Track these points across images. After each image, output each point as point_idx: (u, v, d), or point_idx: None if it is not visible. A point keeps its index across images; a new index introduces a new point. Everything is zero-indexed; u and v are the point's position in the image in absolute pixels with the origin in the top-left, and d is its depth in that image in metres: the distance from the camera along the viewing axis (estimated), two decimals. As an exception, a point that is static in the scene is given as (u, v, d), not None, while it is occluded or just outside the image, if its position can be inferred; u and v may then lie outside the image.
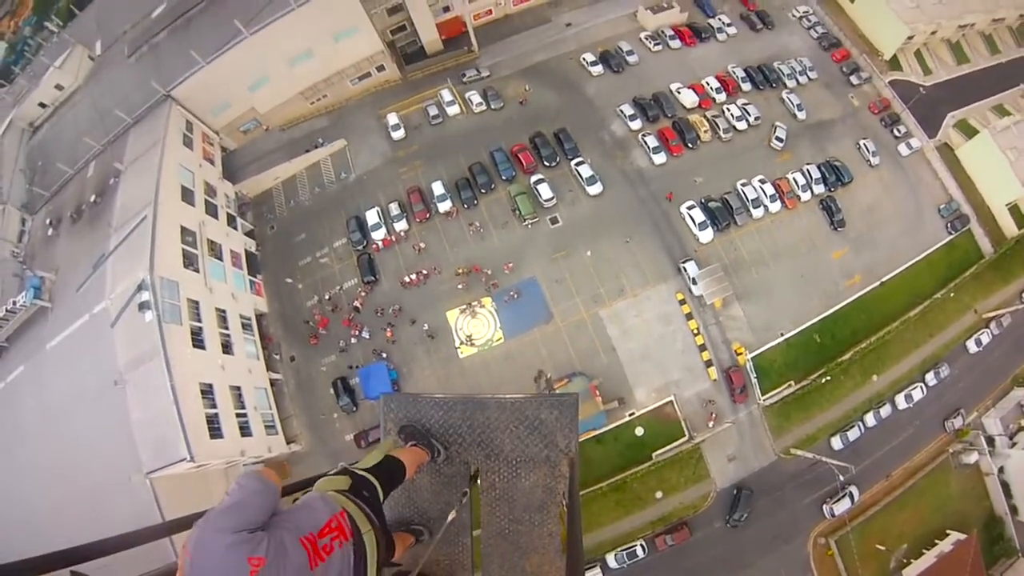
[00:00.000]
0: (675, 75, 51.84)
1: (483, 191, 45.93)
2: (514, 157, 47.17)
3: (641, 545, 38.41)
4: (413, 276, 43.09)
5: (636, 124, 48.68)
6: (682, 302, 42.61)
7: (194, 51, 42.44)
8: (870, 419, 42.02)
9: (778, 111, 50.86)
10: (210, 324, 35.63)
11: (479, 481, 5.26)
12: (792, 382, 41.84)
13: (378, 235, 44.67)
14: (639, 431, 40.02)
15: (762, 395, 41.20)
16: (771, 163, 48.15)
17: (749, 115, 49.36)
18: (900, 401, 42.45)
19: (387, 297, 43.12)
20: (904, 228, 47.12)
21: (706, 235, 44.16)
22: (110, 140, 44.31)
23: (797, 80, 52.19)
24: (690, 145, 48.24)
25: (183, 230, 37.18)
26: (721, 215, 45.00)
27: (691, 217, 44.63)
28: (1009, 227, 47.84)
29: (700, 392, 41.08)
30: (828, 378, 41.68)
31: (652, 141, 47.56)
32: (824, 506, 40.22)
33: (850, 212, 46.62)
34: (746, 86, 51.52)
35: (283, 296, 44.25)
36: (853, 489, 40.54)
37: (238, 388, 35.66)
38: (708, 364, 41.46)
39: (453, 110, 49.64)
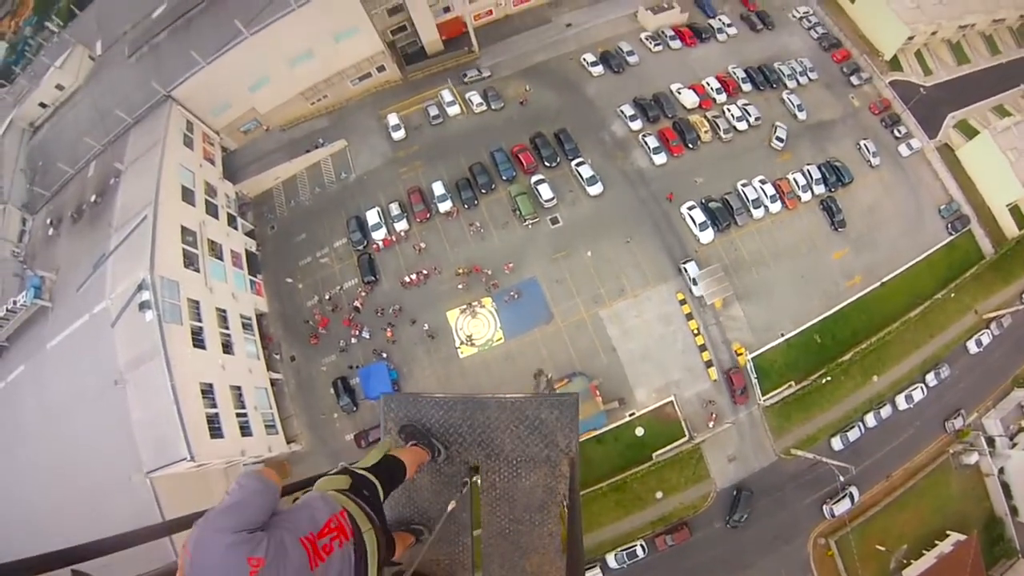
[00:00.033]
0: (675, 75, 51.84)
1: (483, 191, 45.93)
2: (514, 157, 47.17)
3: (641, 545, 38.40)
4: (413, 276, 43.10)
5: (636, 124, 48.68)
6: (682, 302, 42.60)
7: (194, 51, 42.45)
8: (870, 420, 41.99)
9: (778, 111, 50.86)
10: (210, 324, 35.64)
11: (479, 480, 5.25)
12: (792, 382, 41.82)
13: (378, 235, 44.68)
14: (639, 431, 40.01)
15: (762, 395, 41.18)
16: (771, 163, 48.15)
17: (749, 115, 49.35)
18: (900, 402, 42.43)
19: (387, 297, 43.13)
20: (905, 229, 47.10)
21: (706, 235, 44.15)
22: (110, 140, 44.34)
23: (797, 80, 52.18)
24: (690, 145, 48.23)
25: (183, 230, 37.19)
26: (721, 215, 44.99)
27: (691, 217, 44.62)
28: (1010, 228, 47.82)
29: (700, 392, 41.08)
30: (828, 378, 41.67)
31: (652, 141, 47.55)
32: (824, 506, 40.20)
33: (850, 212, 46.61)
34: (746, 86, 51.51)
35: (283, 296, 44.26)
36: (853, 490, 40.52)
37: (238, 388, 35.67)
38: (708, 364, 41.46)
39: (453, 110, 49.64)
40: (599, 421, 39.15)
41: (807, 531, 40.31)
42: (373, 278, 43.32)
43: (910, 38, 52.21)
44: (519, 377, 40.28)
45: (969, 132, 50.68)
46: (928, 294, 44.77)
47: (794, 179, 46.86)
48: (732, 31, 54.71)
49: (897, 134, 50.26)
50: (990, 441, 43.04)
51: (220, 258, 39.88)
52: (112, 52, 51.15)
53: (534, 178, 46.01)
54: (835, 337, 43.32)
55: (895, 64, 54.10)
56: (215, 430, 31.95)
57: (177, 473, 29.90)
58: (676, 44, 53.62)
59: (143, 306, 31.88)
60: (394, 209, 45.37)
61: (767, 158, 48.51)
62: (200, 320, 34.84)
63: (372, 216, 45.18)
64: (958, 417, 43.27)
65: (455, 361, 41.30)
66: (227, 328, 37.28)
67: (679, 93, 50.64)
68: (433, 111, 49.76)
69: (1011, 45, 57.57)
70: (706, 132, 48.54)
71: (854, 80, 52.80)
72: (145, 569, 3.12)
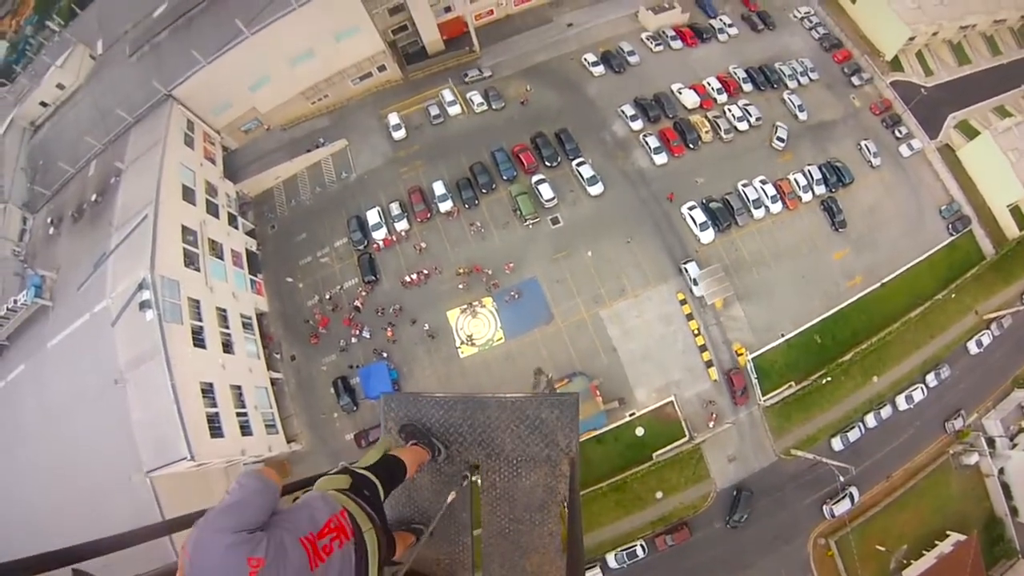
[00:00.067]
0: (676, 75, 51.82)
1: (484, 191, 45.93)
2: (515, 157, 47.16)
3: (641, 545, 38.40)
4: (414, 276, 43.09)
5: (637, 124, 48.67)
6: (683, 302, 42.59)
7: (195, 51, 42.46)
8: (870, 420, 41.97)
9: (779, 112, 50.83)
10: (211, 323, 35.65)
11: (479, 480, 5.25)
12: (793, 383, 41.81)
13: (379, 235, 44.68)
14: (639, 431, 40.01)
15: (762, 396, 41.17)
16: (772, 164, 48.12)
17: (750, 116, 49.32)
18: (901, 402, 42.41)
19: (388, 297, 43.13)
20: (905, 229, 47.08)
21: (707, 235, 44.14)
22: (111, 139, 44.37)
23: (798, 81, 52.14)
24: (691, 146, 48.21)
25: (184, 229, 37.20)
26: (722, 215, 44.97)
27: (692, 217, 44.60)
28: (1010, 228, 47.77)
29: (700, 392, 41.07)
30: (829, 379, 41.65)
31: (653, 141, 47.54)
32: (824, 507, 40.18)
33: (851, 213, 46.59)
34: (747, 87, 51.48)
35: (284, 295, 44.27)
36: (853, 490, 40.51)
37: (239, 387, 35.68)
38: (709, 364, 41.45)
39: (454, 110, 49.64)
40: (599, 421, 39.15)
41: (807, 531, 40.30)
42: (373, 278, 43.33)
43: (911, 39, 52.19)
44: (519, 377, 40.23)
45: (970, 132, 50.66)
46: (929, 295, 44.74)
47: (795, 179, 46.82)
48: (733, 31, 54.68)
49: (898, 134, 50.23)
50: (990, 442, 43.03)
51: (221, 257, 39.90)
52: (113, 51, 51.22)
53: (535, 178, 46.00)
54: (835, 337, 43.30)
55: (896, 64, 54.07)
56: (215, 429, 31.96)
57: (177, 473, 29.92)
58: (677, 44, 53.60)
59: (143, 305, 31.89)
60: (395, 209, 45.37)
61: (768, 158, 48.49)
62: (200, 319, 34.86)
63: (373, 216, 45.18)
64: (958, 418, 43.25)
65: (455, 361, 41.30)
66: (227, 327, 37.29)
67: (680, 93, 50.61)
68: (434, 111, 49.75)
69: (1012, 46, 57.52)
70: (707, 132, 48.53)
71: (855, 80, 52.77)
72: (145, 569, 3.11)
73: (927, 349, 44.06)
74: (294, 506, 2.79)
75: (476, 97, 50.04)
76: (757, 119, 49.29)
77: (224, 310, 37.64)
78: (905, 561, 39.71)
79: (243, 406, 35.33)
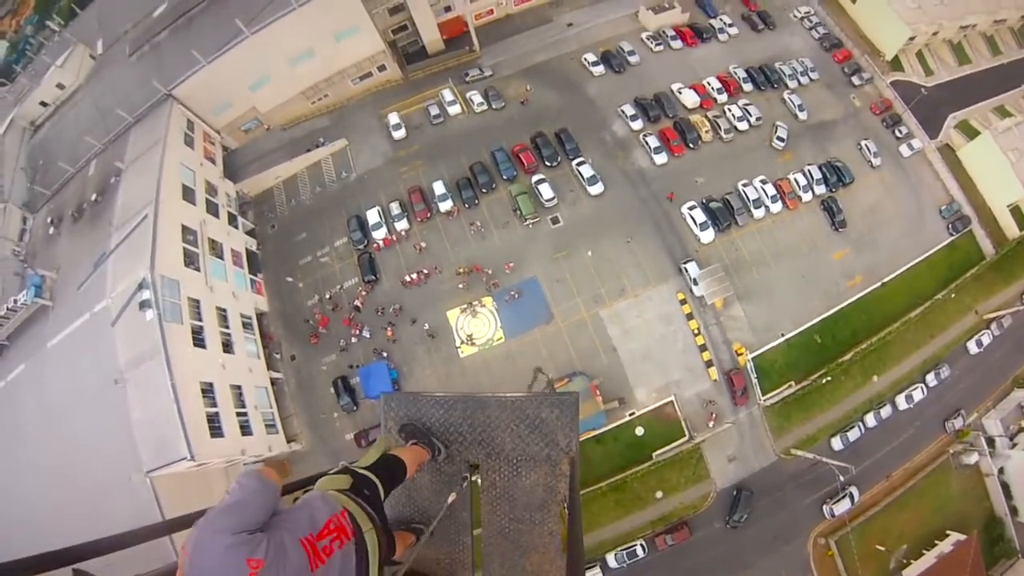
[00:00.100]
0: (676, 75, 51.81)
1: (484, 191, 45.92)
2: (515, 157, 47.16)
3: (641, 545, 38.42)
4: (414, 275, 43.09)
5: (637, 124, 48.66)
6: (683, 302, 42.59)
7: (195, 50, 42.45)
8: (870, 420, 41.99)
9: (779, 111, 50.82)
10: (211, 323, 35.65)
11: (479, 480, 5.25)
12: (792, 382, 41.82)
13: (379, 234, 44.68)
14: (639, 431, 40.01)
15: (762, 395, 41.18)
16: (772, 163, 48.12)
17: (750, 115, 49.31)
18: (901, 402, 42.42)
19: (388, 296, 43.14)
20: (905, 229, 47.08)
21: (707, 235, 44.14)
22: (111, 139, 44.36)
23: (798, 80, 52.14)
24: (691, 145, 48.20)
25: (184, 229, 37.20)
26: (722, 215, 44.97)
27: (692, 217, 44.60)
28: (1010, 228, 47.78)
29: (700, 392, 41.07)
30: (829, 378, 41.68)
31: (653, 141, 47.53)
32: (824, 506, 40.20)
33: (851, 213, 46.59)
34: (747, 86, 51.47)
35: (284, 295, 44.28)
36: (853, 489, 40.52)
37: (239, 387, 35.68)
38: (709, 364, 41.46)
39: (454, 110, 49.63)
40: (599, 421, 39.16)
41: (807, 531, 40.31)
42: (373, 277, 43.33)
43: (911, 38, 52.19)
44: (519, 376, 40.26)
45: (970, 132, 50.66)
46: (929, 294, 44.75)
47: (795, 179, 46.82)
48: (733, 31, 54.68)
49: (898, 134, 50.23)
50: (990, 441, 43.04)
51: (221, 257, 39.90)
52: (113, 51, 51.22)
53: (535, 178, 45.99)
54: (835, 337, 43.31)
55: (896, 64, 54.07)
56: (215, 429, 31.95)
57: (177, 472, 29.91)
58: (677, 44, 53.60)
59: (143, 305, 31.89)
60: (395, 208, 45.37)
61: (768, 158, 48.48)
62: (200, 319, 34.85)
63: (373, 215, 45.18)
64: (958, 417, 43.27)
65: (455, 360, 41.31)
66: (227, 327, 37.29)
67: (680, 93, 50.60)
68: (434, 110, 49.75)
69: (1012, 45, 57.52)
70: (707, 132, 48.52)
71: (855, 80, 52.76)
72: (145, 569, 3.11)
73: (927, 349, 44.08)
74: (294, 506, 2.78)
75: (476, 97, 50.04)
76: (757, 119, 49.28)
77: (224, 310, 37.64)
78: (905, 561, 39.73)
79: (243, 406, 35.33)
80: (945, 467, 42.64)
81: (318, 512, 2.74)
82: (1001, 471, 42.72)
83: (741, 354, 41.60)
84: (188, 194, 39.48)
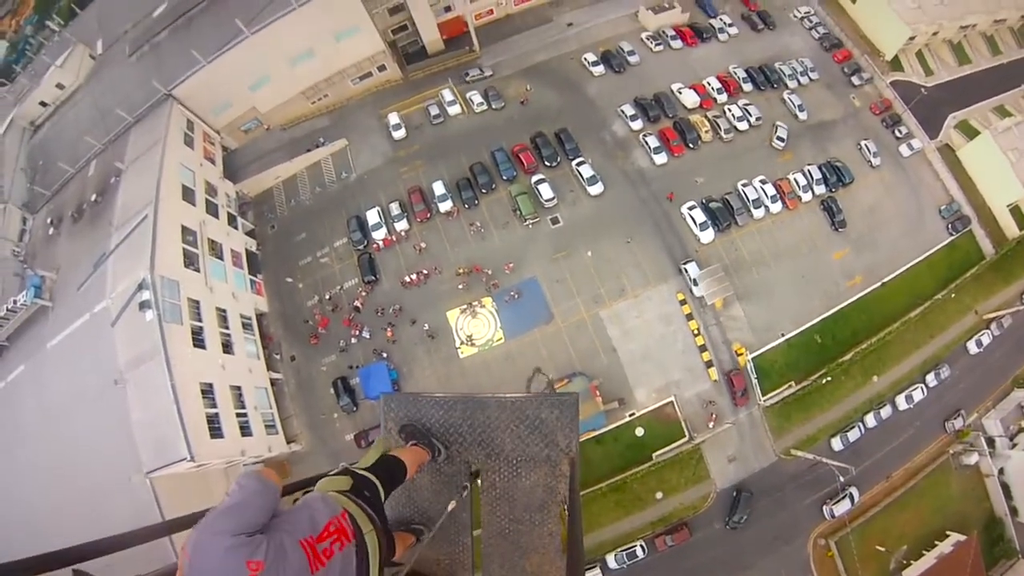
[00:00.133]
0: (676, 75, 51.82)
1: (484, 191, 45.93)
2: (515, 157, 47.16)
3: (641, 546, 38.40)
4: (414, 276, 43.09)
5: (637, 124, 48.67)
6: (683, 302, 42.58)
7: (195, 50, 42.45)
8: (870, 420, 41.98)
9: (779, 111, 50.84)
10: (210, 323, 35.64)
11: (479, 481, 5.25)
12: (792, 383, 41.82)
13: (379, 235, 44.67)
14: (639, 431, 40.01)
15: (762, 396, 41.17)
16: (772, 163, 48.12)
17: (750, 115, 49.33)
18: (900, 402, 42.42)
19: (387, 297, 43.13)
20: (905, 229, 47.09)
21: (707, 235, 44.14)
22: (111, 139, 44.36)
23: (798, 80, 52.15)
24: (691, 145, 48.21)
25: (184, 229, 37.19)
26: (722, 215, 44.98)
27: (692, 217, 44.61)
28: (1010, 228, 47.79)
29: (700, 393, 41.06)
30: (829, 379, 41.66)
31: (653, 141, 47.54)
32: (824, 507, 40.19)
33: (851, 213, 46.59)
34: (747, 86, 51.49)
35: (283, 296, 44.26)
36: (853, 490, 40.51)
37: (238, 388, 35.66)
38: (709, 365, 41.45)
39: (454, 110, 49.64)
40: (599, 421, 39.15)
41: (807, 532, 40.30)
42: (373, 278, 43.32)
43: (911, 38, 52.20)
44: (519, 377, 40.29)
45: (970, 132, 50.67)
46: (928, 294, 44.75)
47: (795, 179, 46.84)
48: (733, 31, 54.70)
49: (898, 134, 50.25)
50: (990, 441, 43.02)
51: (220, 257, 39.89)
52: (113, 51, 51.22)
53: (535, 178, 46.00)
54: (835, 337, 43.31)
55: (896, 64, 54.09)
56: (215, 430, 31.94)
57: (177, 473, 29.89)
58: (677, 44, 53.62)
59: (143, 305, 31.89)
60: (394, 209, 45.37)
61: (768, 158, 48.49)
62: (200, 320, 34.84)
63: (372, 216, 45.18)
64: (958, 417, 43.26)
65: (455, 361, 41.30)
66: (227, 328, 37.28)
67: (680, 93, 50.62)
68: (434, 110, 49.76)
69: (1012, 45, 57.54)
70: (707, 132, 48.53)
71: (855, 80, 52.78)
72: (145, 570, 3.11)
73: (927, 349, 44.08)
74: (294, 508, 2.78)
75: (476, 97, 50.05)
76: (757, 119, 49.30)
77: (224, 310, 37.63)
78: (905, 561, 39.71)
79: (243, 407, 35.32)
80: (945, 467, 42.63)
81: (318, 514, 2.74)
82: (1001, 471, 42.70)
83: (741, 354, 41.60)
84: (188, 194, 39.48)
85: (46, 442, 33.09)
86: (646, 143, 47.72)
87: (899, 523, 40.73)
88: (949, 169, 49.19)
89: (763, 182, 46.46)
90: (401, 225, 44.80)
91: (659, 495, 39.39)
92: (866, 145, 49.04)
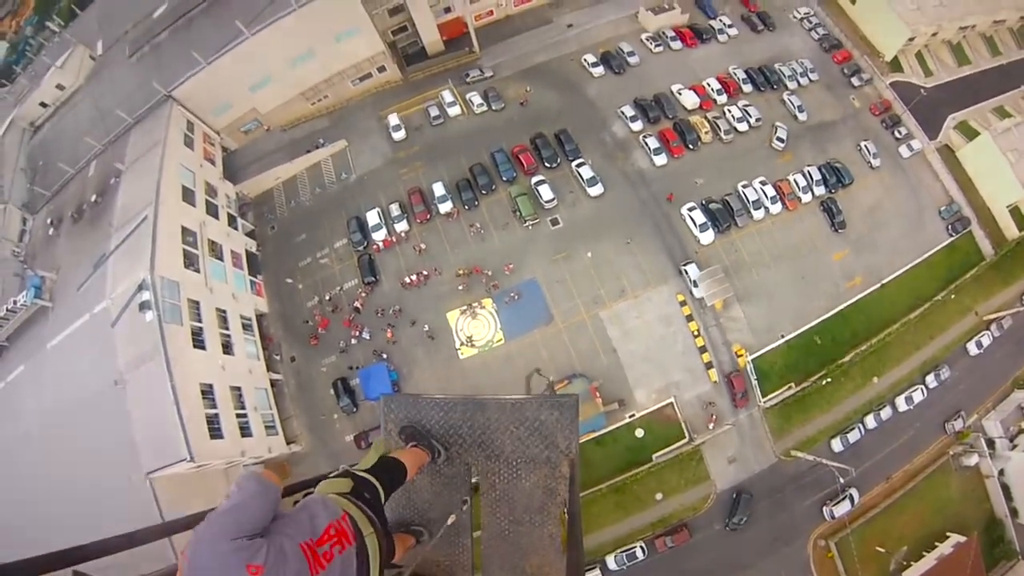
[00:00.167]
0: (676, 76, 51.84)
1: (484, 192, 45.93)
2: (515, 158, 47.17)
3: (641, 547, 38.38)
4: (413, 277, 43.09)
5: (637, 125, 48.68)
6: (683, 303, 42.58)
7: (195, 51, 42.45)
8: (870, 421, 41.97)
9: (779, 112, 50.84)
10: (210, 324, 35.62)
11: (479, 482, 5.25)
12: (792, 384, 41.82)
13: (379, 236, 44.66)
14: (639, 433, 40.00)
15: (762, 397, 41.17)
16: (772, 164, 48.13)
17: (750, 116, 49.33)
18: (900, 403, 42.40)
19: (387, 298, 43.12)
20: (905, 230, 47.09)
21: (707, 236, 44.14)
22: (111, 140, 44.34)
23: (798, 81, 52.15)
24: (691, 146, 48.22)
25: (184, 230, 37.18)
26: (722, 216, 44.98)
27: (692, 218, 44.62)
28: (1010, 229, 47.77)
29: (700, 394, 41.06)
30: (828, 380, 41.64)
31: (653, 142, 47.55)
32: (824, 508, 40.18)
33: (851, 214, 46.60)
34: (747, 87, 51.48)
35: (283, 296, 44.26)
36: (853, 491, 40.50)
37: (238, 388, 35.65)
38: (709, 366, 41.45)
39: (454, 111, 49.63)
40: (599, 422, 39.14)
41: (807, 533, 40.28)
42: (373, 279, 43.32)
43: (911, 39, 52.19)
44: (519, 378, 40.28)
45: (969, 133, 50.63)
46: (928, 296, 44.75)
47: (794, 180, 46.83)
48: (733, 32, 54.70)
49: (898, 135, 50.25)
50: (990, 443, 43.00)
51: (220, 258, 39.88)
52: (113, 52, 51.17)
53: (534, 179, 46.01)
54: (835, 338, 43.30)
55: (896, 65, 54.08)
56: (215, 431, 31.93)
57: (177, 474, 29.88)
58: (677, 45, 53.62)
59: (143, 306, 31.88)
60: (394, 210, 45.36)
61: (767, 159, 48.49)
62: (200, 320, 34.82)
63: (372, 217, 45.18)
64: (958, 419, 43.24)
65: (455, 362, 41.30)
66: (227, 328, 37.27)
67: (680, 94, 50.64)
68: (434, 111, 49.76)
69: (1011, 46, 57.50)
70: (707, 133, 48.54)
71: (855, 81, 52.78)
72: (145, 570, 3.12)
73: (927, 350, 44.07)
74: (294, 510, 2.78)
75: (476, 98, 50.05)
76: (757, 120, 49.30)
77: (224, 311, 37.62)
78: (905, 563, 39.66)
79: (243, 407, 35.31)
80: (945, 469, 42.61)
81: (318, 517, 2.74)
82: (1001, 472, 42.68)
83: (741, 355, 41.60)
84: (188, 195, 39.47)
85: (46, 443, 33.05)
86: (646, 144, 47.73)
87: (899, 524, 40.71)
88: (949, 170, 49.18)
89: (763, 183, 46.46)
90: (401, 226, 44.80)
91: (659, 496, 39.38)
92: (866, 146, 49.05)
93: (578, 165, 46.51)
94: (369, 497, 3.41)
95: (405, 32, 52.35)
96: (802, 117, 50.30)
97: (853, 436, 41.41)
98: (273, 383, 40.27)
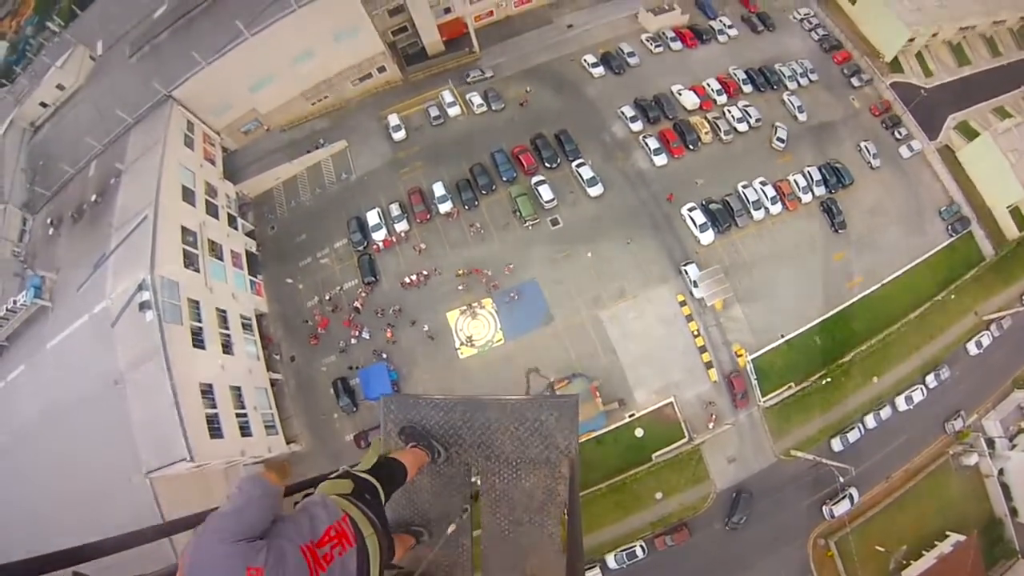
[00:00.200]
0: (676, 77, 51.84)
1: (484, 192, 45.93)
2: (515, 158, 47.17)
3: (641, 546, 38.40)
4: (413, 277, 43.09)
5: (637, 125, 48.67)
6: (683, 303, 42.57)
7: (195, 52, 42.46)
8: (870, 421, 41.96)
9: (779, 113, 50.82)
10: (210, 324, 35.62)
11: (479, 481, 5.26)
12: (792, 384, 41.80)
13: (379, 236, 44.67)
14: (639, 432, 39.99)
15: (762, 396, 41.16)
16: (772, 165, 48.11)
17: (750, 117, 49.32)
18: (900, 403, 42.39)
19: (387, 298, 43.11)
20: (905, 230, 47.06)
21: (707, 237, 44.14)
22: (111, 140, 44.31)
23: (798, 82, 52.14)
24: (691, 147, 48.22)
25: (184, 230, 37.18)
26: (722, 217, 44.98)
27: (692, 219, 44.62)
28: (1010, 229, 47.76)
29: (700, 393, 41.05)
30: (828, 380, 41.64)
31: (653, 143, 47.54)
32: (824, 507, 40.20)
33: (851, 214, 46.57)
34: (747, 88, 51.49)
35: (283, 296, 44.25)
36: (853, 491, 40.51)
37: (238, 388, 35.64)
38: (708, 366, 41.44)
39: (454, 111, 49.64)
40: (599, 422, 39.14)
41: (807, 532, 40.29)
42: (373, 279, 43.32)
43: (911, 40, 52.19)
44: (519, 378, 40.27)
45: (970, 134, 50.62)
46: (928, 296, 44.74)
47: (794, 180, 46.81)
48: (733, 32, 54.70)
49: (898, 136, 50.24)
50: (990, 442, 43.05)
51: (220, 258, 39.87)
52: (113, 52, 51.21)
53: (534, 179, 46.01)
54: (835, 338, 43.27)
55: (896, 66, 54.07)
56: (215, 430, 31.92)
57: (177, 473, 29.87)
58: (677, 45, 53.62)
59: (143, 306, 31.89)
60: (394, 210, 45.37)
61: (767, 159, 48.48)
62: (200, 320, 34.82)
63: (372, 217, 45.18)
64: (958, 418, 43.26)
65: (455, 362, 41.29)
66: (227, 328, 37.27)
67: (680, 94, 50.65)
68: (434, 112, 49.76)
69: (1012, 47, 57.53)
70: (707, 133, 48.53)
71: (855, 81, 52.76)
72: (145, 570, 3.12)
73: (927, 350, 44.07)
74: (295, 512, 2.79)
75: (476, 98, 50.05)
76: (757, 120, 49.29)
77: (224, 311, 37.62)
78: (905, 562, 39.70)
79: (243, 407, 35.30)
80: (945, 468, 42.63)
81: (318, 519, 2.75)
82: (1001, 472, 42.71)
83: (741, 355, 41.59)
84: (188, 195, 39.48)
85: (46, 443, 32.99)
86: (646, 144, 47.73)
87: (899, 523, 40.72)
88: (949, 170, 49.15)
89: (763, 183, 46.44)
90: (401, 226, 44.80)
91: (659, 496, 39.39)
92: (866, 146, 49.03)
93: (578, 165, 46.51)
94: (369, 498, 3.42)
95: (405, 32, 52.38)
96: (802, 117, 50.28)
97: (853, 436, 41.41)
98: (273, 383, 40.26)
